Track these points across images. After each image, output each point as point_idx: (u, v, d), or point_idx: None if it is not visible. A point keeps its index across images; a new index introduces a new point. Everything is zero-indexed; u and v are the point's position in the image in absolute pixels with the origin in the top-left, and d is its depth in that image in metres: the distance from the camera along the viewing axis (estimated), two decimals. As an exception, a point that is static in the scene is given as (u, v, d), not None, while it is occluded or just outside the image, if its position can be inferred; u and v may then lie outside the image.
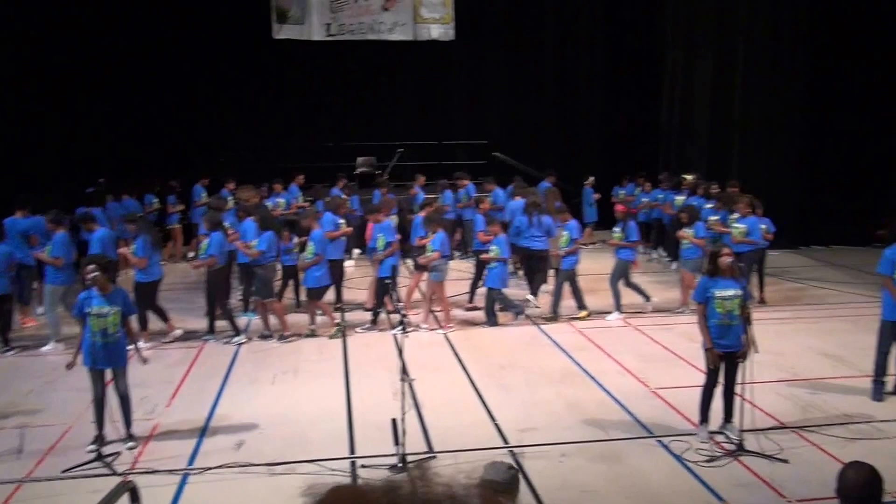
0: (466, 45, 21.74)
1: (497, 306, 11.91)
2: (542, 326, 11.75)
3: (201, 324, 11.49)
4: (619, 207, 12.72)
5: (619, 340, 11.03)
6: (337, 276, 12.33)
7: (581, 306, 12.16)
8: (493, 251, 11.72)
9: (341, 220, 12.45)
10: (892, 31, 15.09)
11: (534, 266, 13.35)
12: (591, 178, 18.83)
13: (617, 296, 12.15)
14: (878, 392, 8.58)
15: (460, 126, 22.14)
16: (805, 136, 18.36)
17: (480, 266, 12.84)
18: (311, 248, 11.24)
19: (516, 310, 11.84)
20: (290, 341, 11.11)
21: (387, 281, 11.36)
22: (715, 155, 18.69)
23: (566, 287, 12.12)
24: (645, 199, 17.74)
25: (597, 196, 18.78)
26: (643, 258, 17.00)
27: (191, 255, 11.22)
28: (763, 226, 12.89)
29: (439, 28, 21.02)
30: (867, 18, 17.51)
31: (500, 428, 7.82)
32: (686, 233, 12.30)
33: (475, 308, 12.74)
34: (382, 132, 21.12)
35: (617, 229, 12.27)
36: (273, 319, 11.40)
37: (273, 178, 17.14)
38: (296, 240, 11.66)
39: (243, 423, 8.04)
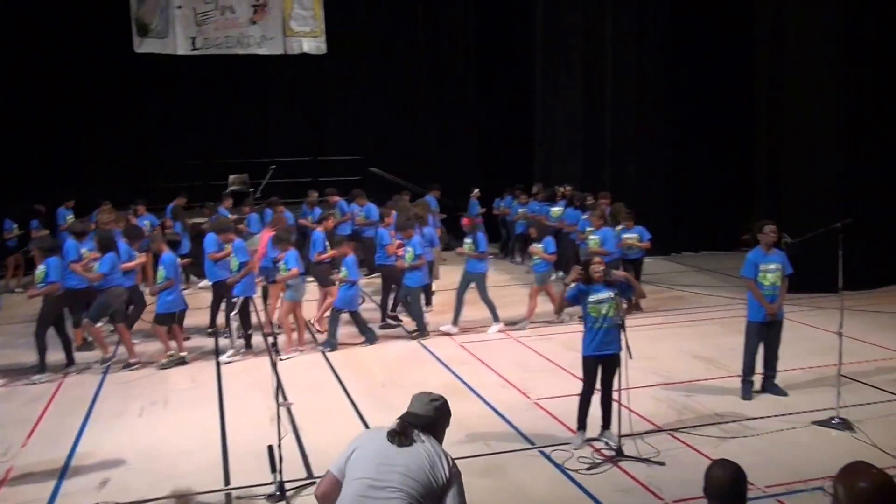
0: (339, 59, 21.67)
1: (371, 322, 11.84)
2: (423, 342, 11.78)
3: (60, 356, 10.91)
4: (464, 221, 12.87)
5: (500, 353, 11.14)
6: (219, 298, 12.05)
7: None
8: (343, 273, 11.58)
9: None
10: (750, 45, 15.92)
11: None
12: (476, 191, 19.10)
13: (492, 307, 12.27)
14: (748, 391, 8.97)
15: (335, 141, 22.03)
16: (673, 146, 19.17)
17: (386, 280, 12.86)
18: (161, 272, 10.89)
19: (329, 345, 11.49)
20: (134, 369, 10.77)
21: (234, 300, 11.18)
22: (589, 167, 19.27)
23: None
24: (521, 211, 18.09)
25: (481, 210, 19.07)
26: (523, 269, 17.33)
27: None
28: (634, 235, 13.34)
29: (310, 42, 20.86)
30: (730, 34, 18.46)
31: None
32: (536, 248, 12.58)
33: (388, 325, 12.75)
34: (255, 149, 20.77)
35: (468, 240, 12.44)
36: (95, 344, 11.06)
37: (137, 198, 16.58)
38: (178, 261, 11.34)
39: (108, 460, 7.64)
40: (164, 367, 10.77)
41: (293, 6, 20.65)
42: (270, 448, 6.70)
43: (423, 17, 22.28)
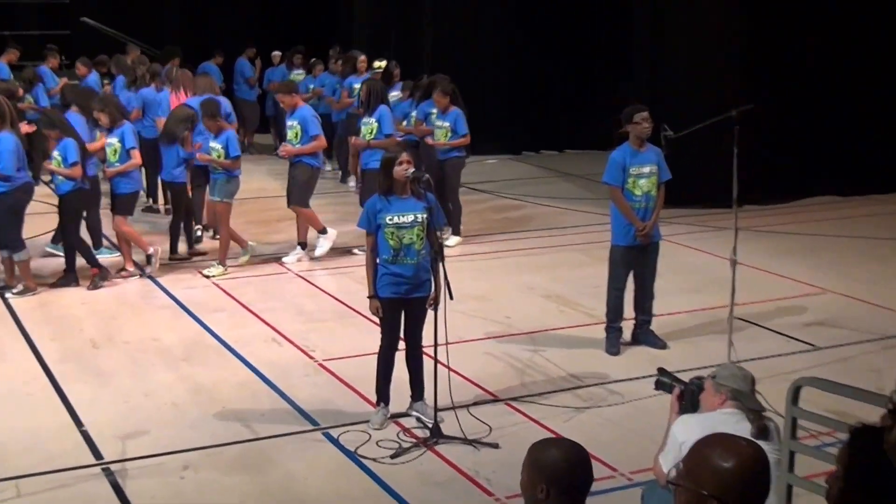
0: None
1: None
2: (161, 280, 11.70)
3: None
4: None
5: (273, 293, 11.24)
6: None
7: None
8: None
9: None
10: None
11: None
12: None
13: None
14: (614, 342, 9.43)
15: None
16: (520, 28, 19.64)
17: None
18: None
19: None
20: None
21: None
22: (408, 41, 19.53)
23: None
24: (312, 87, 18.03)
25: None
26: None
27: None
28: (447, 123, 13.24)
29: None
30: None
31: (89, 436, 7.65)
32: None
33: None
34: None
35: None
36: None
37: None
38: None
39: None
40: None
41: None
42: None
43: None
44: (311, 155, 12.40)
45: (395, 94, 15.60)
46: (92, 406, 8.20)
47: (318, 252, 12.43)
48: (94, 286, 11.26)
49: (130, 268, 11.72)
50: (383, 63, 16.63)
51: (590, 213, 14.75)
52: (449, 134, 12.96)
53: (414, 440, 7.59)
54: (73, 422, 7.91)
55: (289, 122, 12.46)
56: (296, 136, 12.26)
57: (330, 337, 9.83)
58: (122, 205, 11.68)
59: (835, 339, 9.76)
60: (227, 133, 11.90)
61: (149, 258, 11.77)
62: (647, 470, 6.76)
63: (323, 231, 12.51)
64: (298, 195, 12.37)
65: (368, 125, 12.63)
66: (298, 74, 19.29)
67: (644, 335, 9.60)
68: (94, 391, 8.53)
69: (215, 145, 11.83)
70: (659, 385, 5.98)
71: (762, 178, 13.54)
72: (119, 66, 16.78)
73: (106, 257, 12.12)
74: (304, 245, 12.51)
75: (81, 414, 8.04)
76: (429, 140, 13.21)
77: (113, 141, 11.60)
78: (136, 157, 11.71)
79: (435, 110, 13.24)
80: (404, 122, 14.26)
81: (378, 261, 7.70)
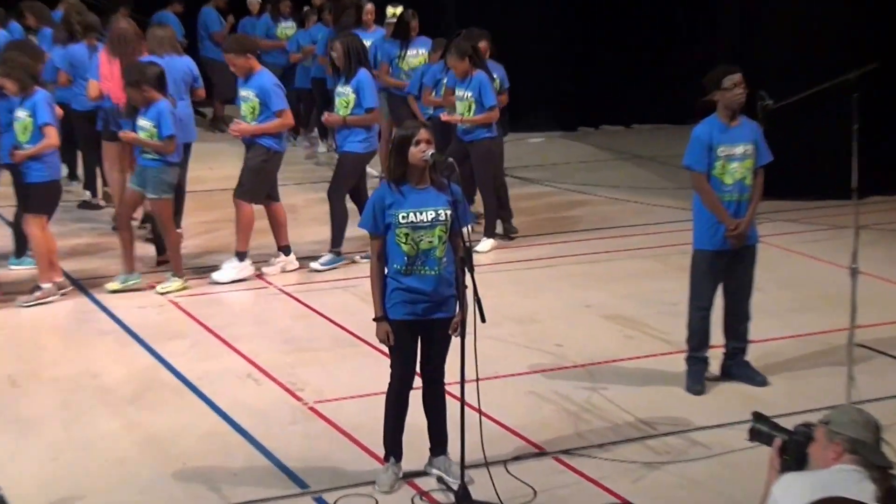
0: None
1: None
2: (101, 297, 11.74)
3: None
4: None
5: (250, 315, 11.38)
6: None
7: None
8: None
9: None
10: None
11: None
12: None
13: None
14: (697, 376, 9.38)
15: None
16: None
17: None
18: None
19: None
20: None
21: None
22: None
23: None
24: (305, 47, 18.12)
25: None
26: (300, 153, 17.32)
27: None
28: (468, 93, 13.20)
29: None
30: None
31: (7, 502, 7.56)
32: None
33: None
34: None
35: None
36: None
37: None
38: None
39: None
40: None
41: None
42: None
43: None
44: (272, 134, 12.33)
45: (413, 54, 15.60)
46: (11, 462, 8.19)
47: (216, 277, 12.24)
48: None
49: (58, 279, 11.67)
50: (398, 9, 16.56)
51: (665, 208, 14.80)
52: (472, 106, 12.88)
53: (434, 507, 7.55)
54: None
55: (243, 92, 12.38)
56: (252, 112, 12.23)
57: (324, 372, 9.83)
58: (35, 199, 11.59)
59: None
60: (158, 105, 11.65)
61: (35, 288, 11.56)
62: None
63: (241, 256, 12.33)
64: (245, 185, 12.30)
65: (344, 96, 12.63)
66: (287, 27, 19.44)
67: (737, 367, 9.56)
68: (14, 443, 8.52)
69: (144, 123, 11.68)
70: (755, 434, 5.85)
71: (889, 161, 13.41)
72: (39, 15, 16.38)
73: (30, 268, 12.14)
74: (287, 249, 12.46)
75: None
76: (444, 115, 13.23)
77: (22, 115, 11.45)
78: (51, 135, 11.51)
79: None
80: (433, 93, 14.19)
81: (387, 272, 7.65)
